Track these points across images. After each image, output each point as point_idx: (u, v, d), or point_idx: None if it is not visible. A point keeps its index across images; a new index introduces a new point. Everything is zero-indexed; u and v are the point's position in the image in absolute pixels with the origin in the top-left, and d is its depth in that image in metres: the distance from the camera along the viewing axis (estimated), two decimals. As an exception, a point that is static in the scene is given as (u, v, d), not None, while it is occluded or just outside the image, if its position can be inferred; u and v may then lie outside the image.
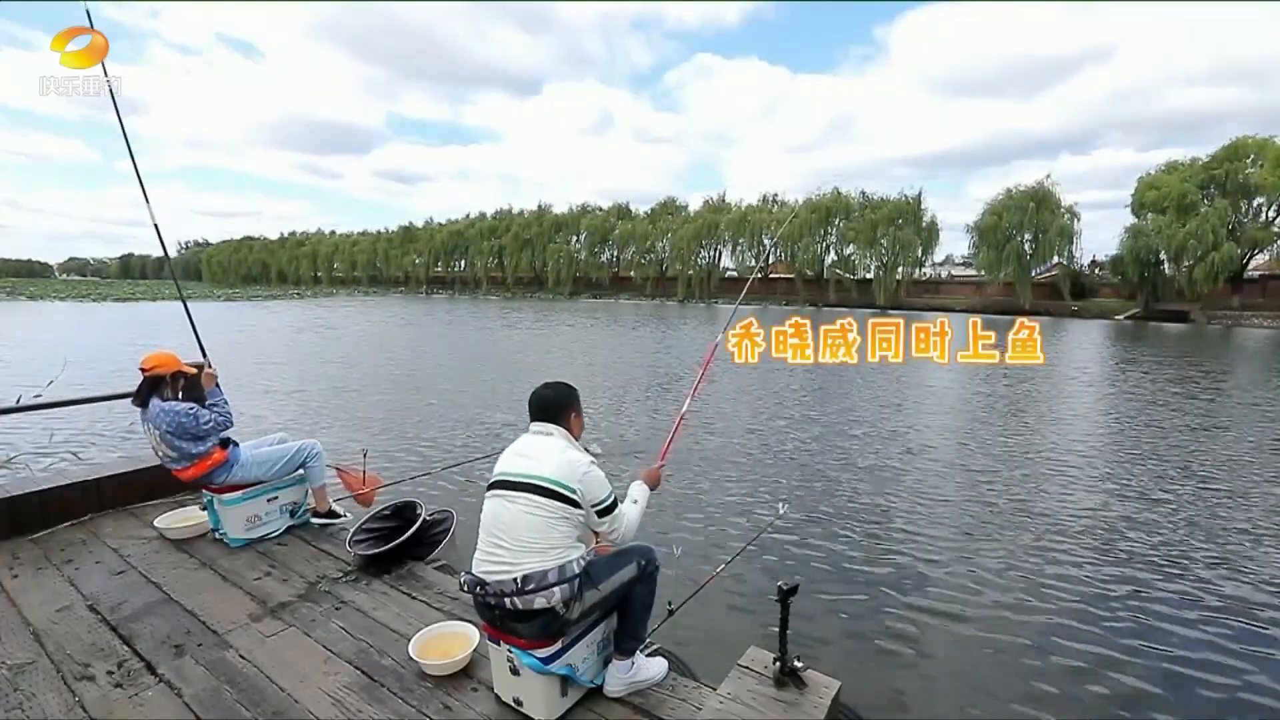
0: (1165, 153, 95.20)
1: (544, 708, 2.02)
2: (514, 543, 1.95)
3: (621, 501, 2.17)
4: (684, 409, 2.87)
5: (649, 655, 2.29)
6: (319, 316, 31.10)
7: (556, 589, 1.92)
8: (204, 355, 3.44)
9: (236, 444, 3.36)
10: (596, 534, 2.21)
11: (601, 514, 2.06)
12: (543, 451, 2.05)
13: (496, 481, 2.06)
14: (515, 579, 1.91)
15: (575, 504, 2.00)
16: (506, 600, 1.92)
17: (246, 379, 11.74)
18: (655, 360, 15.54)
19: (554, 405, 2.16)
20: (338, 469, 4.04)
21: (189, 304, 3.86)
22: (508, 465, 2.07)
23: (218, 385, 3.36)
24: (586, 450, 2.17)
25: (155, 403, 3.10)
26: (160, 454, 3.17)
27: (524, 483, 1.99)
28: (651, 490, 2.40)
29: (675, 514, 5.26)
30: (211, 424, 3.17)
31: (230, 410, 3.32)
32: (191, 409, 3.10)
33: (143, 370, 3.14)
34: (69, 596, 2.82)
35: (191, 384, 3.28)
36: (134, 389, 3.23)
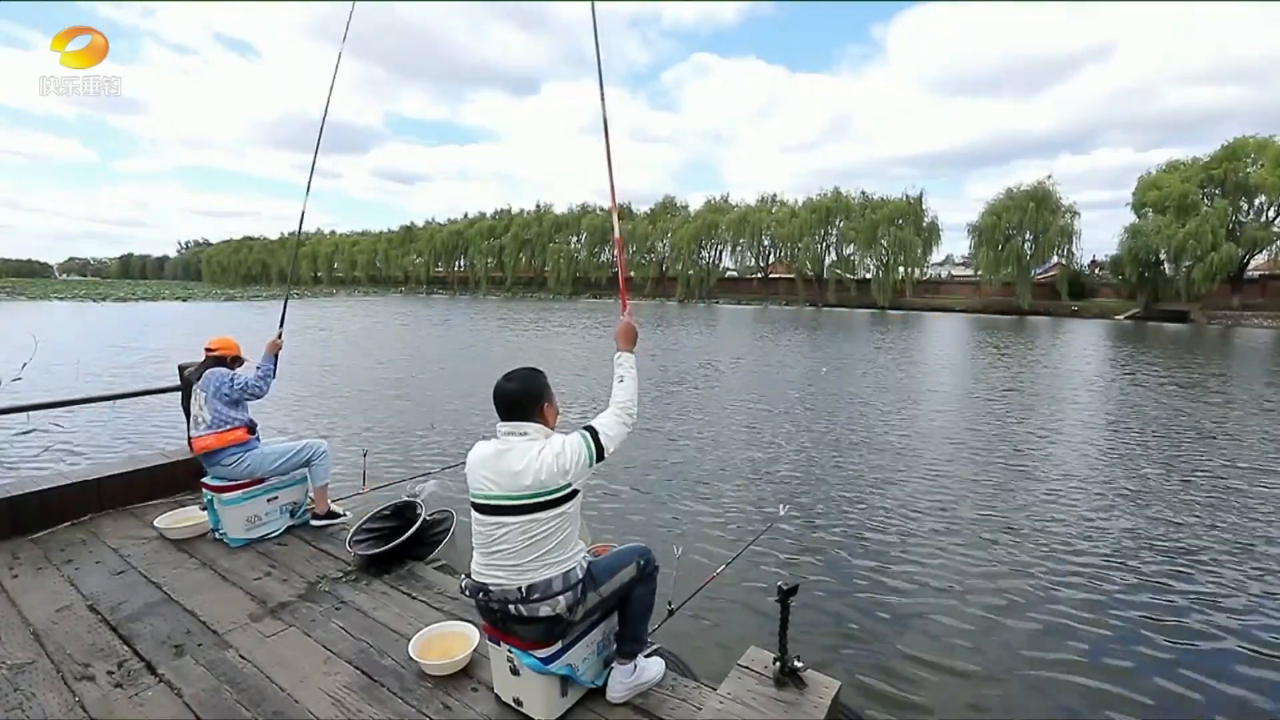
0: (1165, 152, 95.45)
1: (544, 708, 2.02)
2: (513, 560, 1.91)
3: (600, 414, 2.07)
4: (616, 233, 2.83)
5: (647, 656, 2.29)
6: (318, 317, 31.06)
7: (561, 596, 1.91)
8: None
9: (259, 437, 3.54)
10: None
11: (599, 460, 1.98)
12: (525, 458, 1.89)
13: (482, 505, 1.94)
14: (520, 588, 1.90)
15: (571, 495, 1.94)
16: (510, 606, 1.91)
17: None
18: (656, 361, 15.53)
19: (523, 399, 1.99)
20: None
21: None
22: (486, 485, 1.92)
23: (272, 356, 3.64)
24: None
25: (209, 372, 3.49)
26: (199, 419, 3.42)
27: (513, 505, 1.88)
28: (632, 350, 2.20)
29: (676, 514, 5.26)
30: (243, 386, 3.45)
31: (263, 383, 3.52)
32: (230, 374, 3.49)
33: (207, 350, 3.58)
34: (69, 596, 2.82)
35: (234, 366, 3.63)
36: (131, 390, 3.36)
